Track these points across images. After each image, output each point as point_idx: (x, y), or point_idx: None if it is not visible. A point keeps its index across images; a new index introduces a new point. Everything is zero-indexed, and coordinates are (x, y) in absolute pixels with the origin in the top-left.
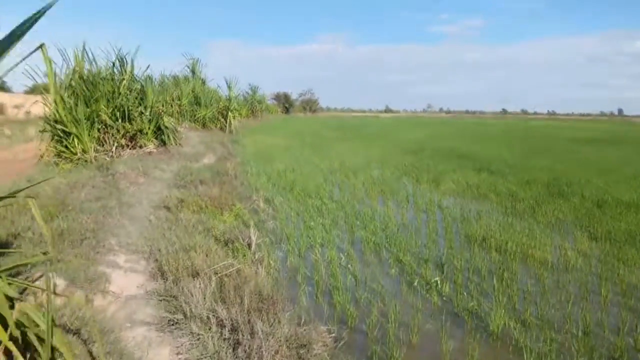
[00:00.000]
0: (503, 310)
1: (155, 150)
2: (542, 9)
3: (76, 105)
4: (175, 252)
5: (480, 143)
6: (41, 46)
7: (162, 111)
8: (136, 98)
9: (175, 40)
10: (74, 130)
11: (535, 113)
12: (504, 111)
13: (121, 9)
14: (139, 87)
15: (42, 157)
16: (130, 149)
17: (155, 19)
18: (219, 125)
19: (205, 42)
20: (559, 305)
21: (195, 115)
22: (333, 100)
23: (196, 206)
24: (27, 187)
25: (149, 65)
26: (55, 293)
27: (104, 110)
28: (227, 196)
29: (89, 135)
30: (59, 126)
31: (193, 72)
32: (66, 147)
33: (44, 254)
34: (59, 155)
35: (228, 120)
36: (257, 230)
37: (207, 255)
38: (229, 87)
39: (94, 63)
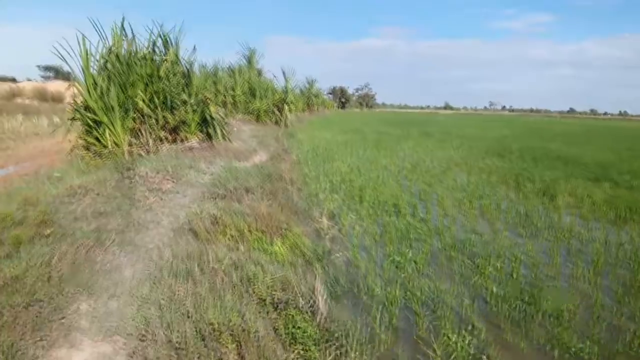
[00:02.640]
0: None
1: (198, 145)
2: (616, 5)
3: (108, 89)
4: (184, 339)
5: (573, 144)
6: None
7: (209, 99)
8: (179, 83)
9: (230, 37)
10: (105, 119)
11: (605, 113)
12: (572, 110)
13: (171, 7)
14: (182, 70)
15: (71, 150)
16: (170, 143)
17: (208, 16)
18: (274, 119)
19: (261, 38)
20: None
21: (249, 107)
22: (389, 96)
23: (236, 230)
24: None
25: (194, 47)
26: None
27: (140, 97)
28: (278, 214)
29: (123, 125)
30: (88, 114)
31: (249, 62)
32: (96, 139)
33: None
34: (87, 148)
35: (284, 114)
36: (323, 275)
37: (239, 345)
38: (286, 79)
39: (133, 42)
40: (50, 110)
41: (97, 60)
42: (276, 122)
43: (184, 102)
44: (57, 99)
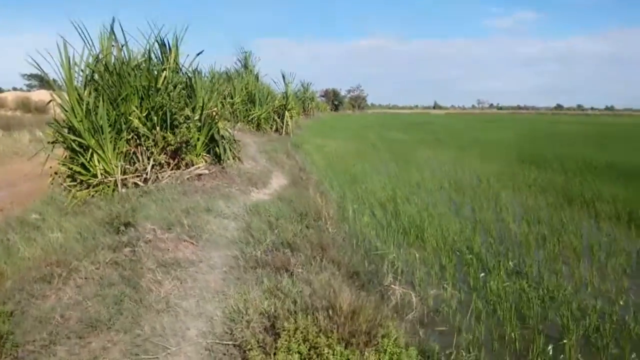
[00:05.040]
0: None
1: (207, 171)
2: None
3: (96, 106)
4: None
5: (601, 149)
6: None
7: (217, 114)
8: (180, 96)
9: (220, 40)
10: (92, 142)
11: (592, 108)
12: (559, 107)
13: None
14: (184, 80)
15: (52, 180)
16: (172, 168)
17: (194, 18)
18: (274, 127)
19: (251, 41)
20: None
21: (249, 116)
22: (378, 96)
23: (304, 341)
24: None
25: (200, 52)
26: None
27: (135, 114)
28: (363, 304)
29: (115, 149)
30: (72, 137)
31: (245, 66)
32: (83, 165)
33: None
34: (72, 177)
35: (285, 121)
36: None
37: None
38: (286, 83)
39: (125, 48)
40: (34, 122)
41: (82, 71)
42: (277, 130)
43: (187, 119)
44: (41, 109)
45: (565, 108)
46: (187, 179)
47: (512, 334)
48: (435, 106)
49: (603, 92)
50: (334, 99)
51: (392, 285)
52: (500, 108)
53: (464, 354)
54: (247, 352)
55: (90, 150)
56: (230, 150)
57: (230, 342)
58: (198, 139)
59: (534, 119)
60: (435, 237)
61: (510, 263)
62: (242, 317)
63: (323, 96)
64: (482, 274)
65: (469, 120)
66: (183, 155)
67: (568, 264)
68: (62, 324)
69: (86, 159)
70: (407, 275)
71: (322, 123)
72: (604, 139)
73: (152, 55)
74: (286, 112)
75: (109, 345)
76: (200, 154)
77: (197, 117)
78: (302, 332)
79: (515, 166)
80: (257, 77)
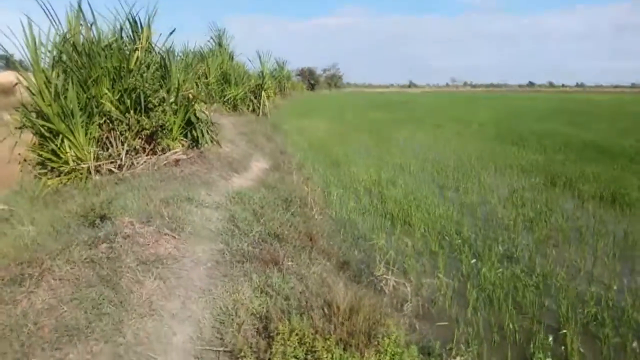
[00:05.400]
0: None
1: (184, 155)
2: None
3: (65, 89)
4: None
5: (580, 125)
6: None
7: (194, 96)
8: (154, 77)
9: (190, 17)
10: (62, 127)
11: (563, 85)
12: (531, 84)
13: None
14: (158, 60)
15: (21, 167)
16: (148, 154)
17: None
18: (250, 107)
19: (219, 18)
20: None
21: (224, 96)
22: (354, 75)
23: (300, 345)
24: None
25: (173, 30)
26: None
27: (107, 97)
28: (360, 301)
29: (86, 134)
30: (41, 122)
31: (220, 44)
32: (53, 152)
33: None
34: (43, 164)
35: (261, 101)
36: None
37: None
38: (262, 62)
39: (94, 27)
40: (1, 105)
41: (49, 52)
42: (253, 111)
43: (162, 101)
44: (8, 91)
45: (537, 85)
46: (164, 164)
47: (511, 325)
48: (411, 85)
49: (572, 69)
50: (310, 78)
51: (385, 276)
52: (474, 86)
53: (463, 348)
54: (239, 358)
55: (61, 135)
56: (208, 133)
57: (221, 349)
58: (174, 123)
59: (508, 97)
60: (423, 221)
61: (500, 248)
62: (232, 320)
63: (299, 75)
64: (474, 260)
65: (444, 98)
66: (159, 140)
67: (557, 246)
68: (36, 332)
69: (57, 145)
70: (398, 264)
71: (299, 103)
72: (578, 116)
73: (123, 35)
74: (263, 92)
75: (89, 357)
76: (176, 138)
77: (172, 100)
78: (297, 335)
79: (494, 145)
80: (231, 56)
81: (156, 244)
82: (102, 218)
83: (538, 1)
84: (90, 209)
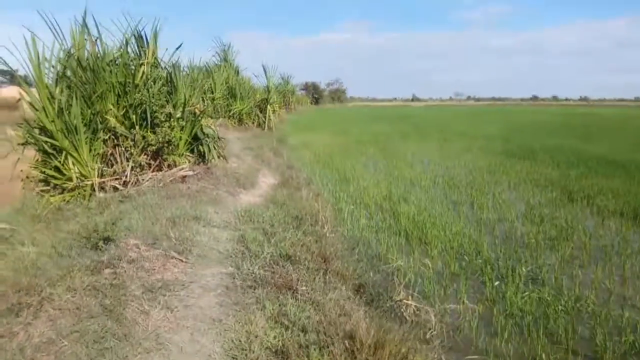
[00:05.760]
0: None
1: (191, 172)
2: None
3: (69, 104)
4: None
5: (590, 140)
6: None
7: (200, 111)
8: (161, 92)
9: (194, 34)
10: (66, 144)
11: (566, 99)
12: (535, 97)
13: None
14: (164, 75)
15: (23, 185)
16: (153, 170)
17: (168, 12)
18: (256, 121)
19: (225, 35)
20: None
21: (230, 111)
22: (356, 89)
23: None
24: None
25: (180, 45)
26: None
27: (112, 112)
28: (386, 333)
29: (90, 151)
30: (44, 138)
31: (225, 59)
32: (57, 169)
33: None
34: (46, 181)
35: (267, 116)
36: None
37: None
38: (268, 77)
39: (100, 42)
40: (6, 120)
41: (53, 67)
42: (259, 125)
43: (169, 117)
44: (12, 106)
45: (541, 99)
46: (170, 181)
47: (544, 356)
48: (414, 99)
49: (575, 83)
50: (314, 93)
51: (405, 300)
52: (478, 100)
53: None
54: None
55: (64, 152)
56: (215, 148)
57: None
58: (180, 138)
59: (512, 111)
60: (440, 239)
61: (523, 269)
62: (246, 355)
63: (303, 89)
64: (497, 283)
65: (449, 112)
66: (165, 156)
67: (583, 267)
68: None
69: (60, 162)
70: (416, 286)
71: (304, 117)
72: (586, 130)
73: (129, 49)
74: (268, 106)
75: None
76: (183, 154)
77: (179, 115)
78: None
79: (504, 159)
80: (237, 71)
81: (163, 269)
82: (106, 240)
83: (537, 16)
84: (93, 230)
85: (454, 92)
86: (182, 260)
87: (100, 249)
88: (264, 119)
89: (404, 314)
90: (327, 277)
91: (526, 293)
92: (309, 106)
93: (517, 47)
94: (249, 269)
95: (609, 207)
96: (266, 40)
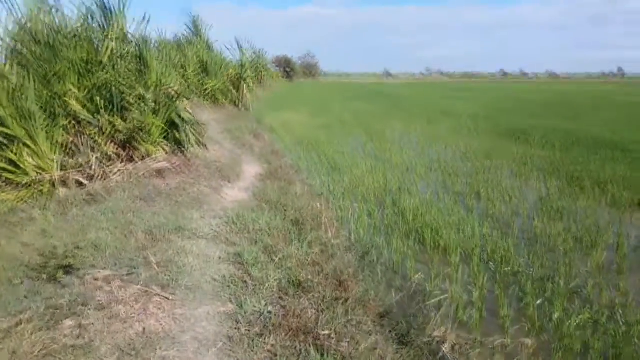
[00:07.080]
0: None
1: (168, 163)
2: None
3: (22, 86)
4: None
5: (578, 119)
6: None
7: (176, 92)
8: (130, 71)
9: (157, 6)
10: (20, 132)
11: (535, 74)
12: (504, 73)
13: None
14: (133, 51)
15: None
16: (123, 161)
17: None
18: (230, 99)
19: (194, 6)
20: None
21: (203, 88)
22: (329, 64)
23: None
24: None
25: (149, 17)
26: None
27: (73, 94)
28: None
29: (49, 140)
30: None
31: (196, 33)
32: (11, 161)
33: None
34: None
35: (241, 92)
36: None
37: None
38: (242, 51)
39: (57, 14)
40: None
41: (2, 41)
42: (234, 103)
43: (140, 99)
44: None
45: (510, 74)
46: (144, 174)
47: None
48: (386, 73)
49: (543, 58)
50: (286, 67)
51: (443, 333)
52: (448, 75)
53: None
54: None
55: (18, 141)
56: (193, 135)
57: None
58: (154, 124)
59: (488, 87)
60: (457, 243)
61: (561, 281)
62: None
63: (274, 63)
64: (539, 301)
65: (426, 88)
66: (136, 145)
67: (623, 273)
68: None
69: (14, 153)
70: (445, 306)
71: (279, 94)
72: (572, 108)
73: (92, 21)
74: (243, 82)
75: None
76: (157, 142)
77: (151, 97)
78: None
79: (497, 141)
80: (209, 46)
81: (144, 314)
82: (67, 270)
83: None
84: (51, 254)
85: (425, 68)
86: (167, 298)
87: (60, 284)
88: (238, 97)
89: (443, 350)
90: (348, 308)
91: (575, 315)
92: (282, 82)
93: (490, 23)
94: (253, 307)
95: (624, 197)
96: (236, 12)
